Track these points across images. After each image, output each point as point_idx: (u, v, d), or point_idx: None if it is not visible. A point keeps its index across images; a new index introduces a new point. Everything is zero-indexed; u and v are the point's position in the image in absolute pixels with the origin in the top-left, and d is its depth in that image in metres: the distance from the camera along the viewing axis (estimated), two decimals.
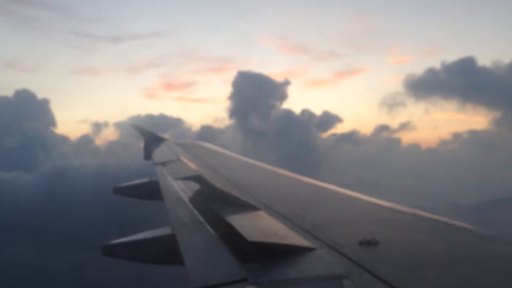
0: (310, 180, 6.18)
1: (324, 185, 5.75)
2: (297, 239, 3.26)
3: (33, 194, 69.08)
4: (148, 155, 11.06)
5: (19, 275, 44.23)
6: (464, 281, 2.47)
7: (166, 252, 3.88)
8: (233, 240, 3.12)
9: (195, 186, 4.70)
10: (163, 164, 7.89)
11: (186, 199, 4.92)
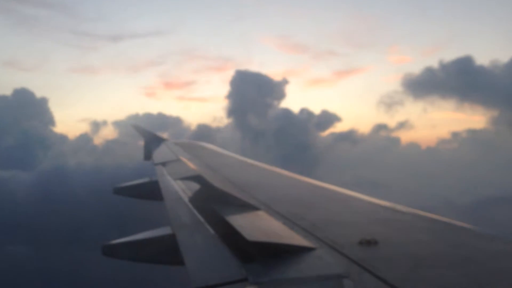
0: (310, 180, 6.19)
1: (324, 185, 5.76)
2: (297, 239, 3.27)
3: (31, 193, 69.08)
4: (148, 155, 11.08)
5: (17, 274, 44.21)
6: (464, 281, 2.48)
7: (166, 252, 3.89)
8: (233, 240, 3.13)
9: (195, 186, 4.71)
10: (163, 164, 7.91)
11: (186, 199, 4.93)
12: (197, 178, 4.55)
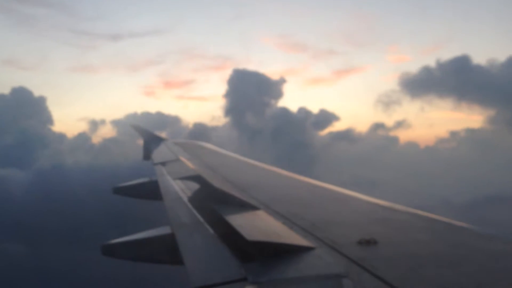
0: (309, 180, 6.19)
1: (323, 185, 5.77)
2: (296, 239, 3.27)
3: (29, 192, 69.01)
4: (147, 155, 11.05)
5: (14, 273, 44.10)
6: (463, 280, 2.49)
7: (166, 251, 3.89)
8: (233, 240, 3.13)
9: (195, 186, 4.71)
10: (163, 164, 7.91)
11: (186, 199, 4.94)
12: (196, 178, 4.56)
